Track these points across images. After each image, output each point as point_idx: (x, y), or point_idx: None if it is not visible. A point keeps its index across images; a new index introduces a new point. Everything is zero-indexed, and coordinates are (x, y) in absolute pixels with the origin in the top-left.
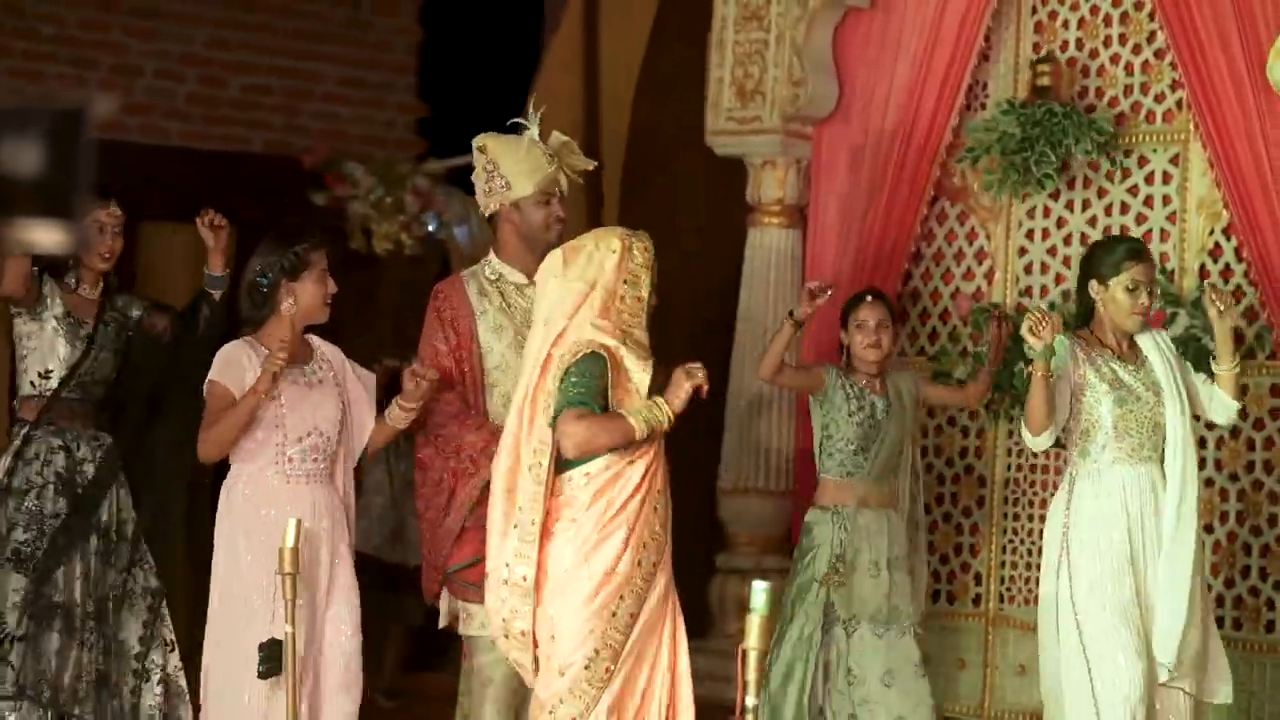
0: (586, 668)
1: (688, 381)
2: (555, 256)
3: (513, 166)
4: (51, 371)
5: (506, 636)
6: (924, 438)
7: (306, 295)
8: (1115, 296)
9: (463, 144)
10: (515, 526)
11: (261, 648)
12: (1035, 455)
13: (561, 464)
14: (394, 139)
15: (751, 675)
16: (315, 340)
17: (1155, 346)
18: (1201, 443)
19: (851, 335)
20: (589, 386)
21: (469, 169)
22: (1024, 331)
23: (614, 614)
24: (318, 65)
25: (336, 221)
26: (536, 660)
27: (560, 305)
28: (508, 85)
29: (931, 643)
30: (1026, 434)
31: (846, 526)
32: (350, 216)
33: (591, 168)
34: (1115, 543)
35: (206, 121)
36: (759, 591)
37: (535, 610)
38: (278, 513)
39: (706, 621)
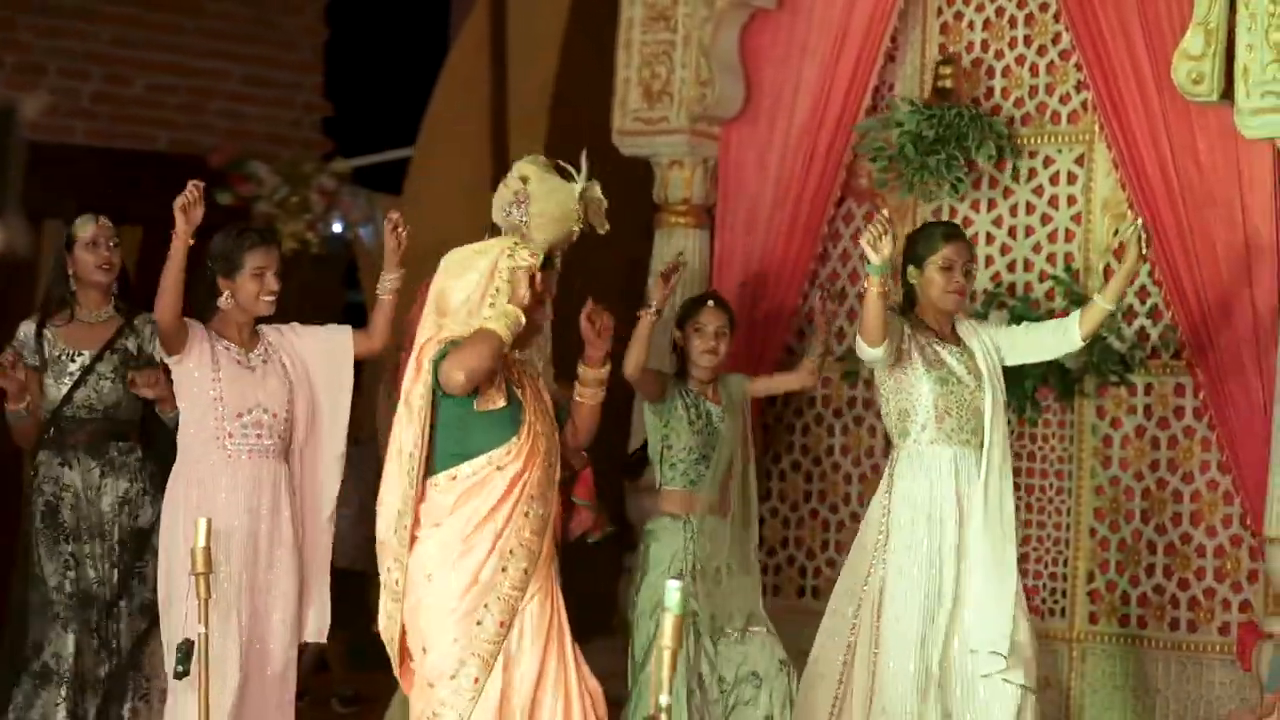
0: (453, 677)
1: (517, 271)
2: (451, 261)
3: (546, 212)
4: (54, 401)
5: (389, 640)
6: (790, 434)
7: (242, 292)
8: (931, 277)
9: (369, 143)
10: (393, 531)
11: (178, 648)
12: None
13: (428, 468)
14: (300, 138)
15: (665, 673)
16: (266, 329)
17: (973, 333)
18: (1107, 441)
19: (689, 339)
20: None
21: (375, 168)
22: (864, 243)
23: (479, 623)
24: (223, 64)
25: (242, 222)
26: (403, 672)
27: (429, 313)
28: (413, 85)
29: (807, 638)
30: (863, 345)
31: (695, 535)
32: (255, 216)
33: (604, 231)
34: (928, 527)
35: (112, 120)
36: (672, 590)
37: (403, 619)
38: (218, 488)
39: (616, 620)
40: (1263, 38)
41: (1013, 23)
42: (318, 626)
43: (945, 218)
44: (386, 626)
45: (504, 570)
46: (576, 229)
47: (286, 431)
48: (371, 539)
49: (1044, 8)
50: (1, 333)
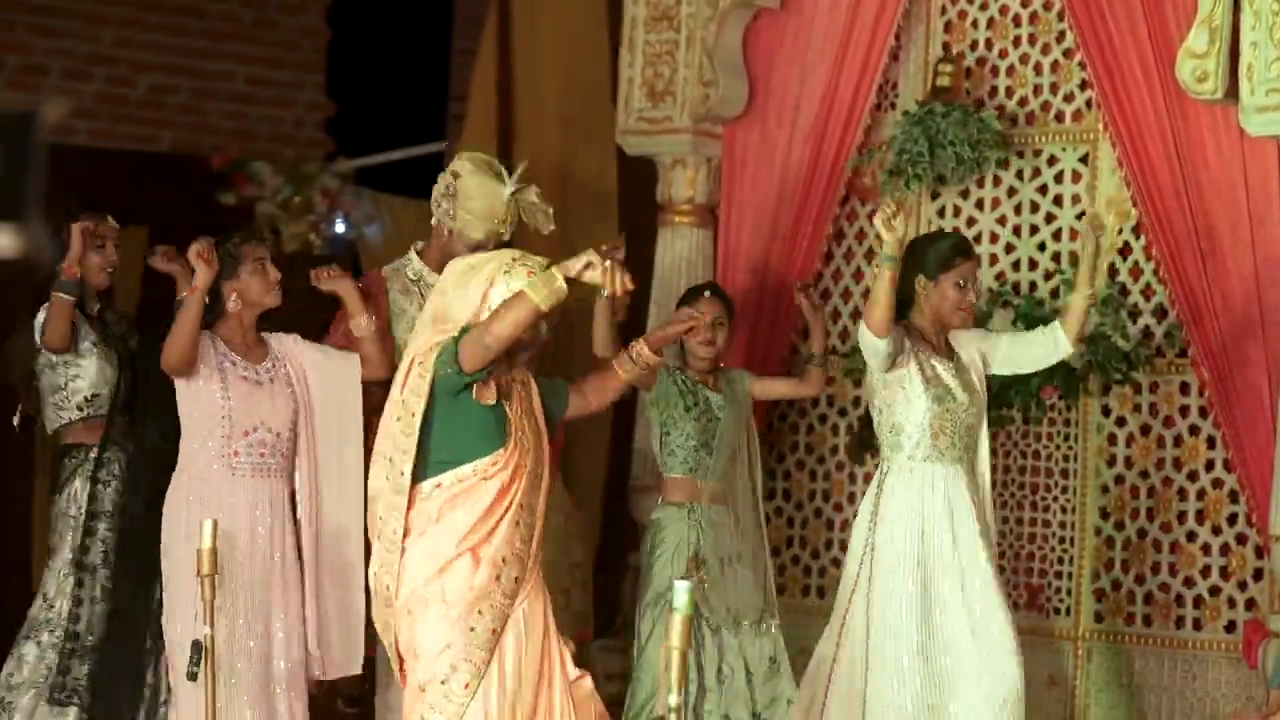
0: (444, 683)
1: (592, 256)
2: (452, 273)
3: (472, 209)
4: (99, 394)
5: (388, 645)
6: (795, 434)
7: (248, 289)
8: (945, 293)
9: (372, 143)
10: (379, 537)
11: (191, 648)
12: (1015, 454)
13: (416, 474)
14: (302, 138)
15: (674, 674)
16: (273, 340)
17: (963, 344)
18: (1111, 439)
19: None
20: (456, 340)
21: (378, 168)
22: (878, 222)
23: (472, 629)
24: (226, 64)
25: (246, 222)
26: (403, 672)
27: (421, 332)
28: (416, 84)
29: (814, 634)
30: (868, 335)
31: (701, 524)
32: (258, 217)
33: (547, 231)
34: (915, 543)
35: (114, 121)
36: (680, 591)
37: (396, 625)
38: (220, 506)
39: (620, 620)
40: (1267, 35)
41: (1017, 21)
42: (346, 658)
43: (950, 217)
44: (383, 632)
45: (497, 579)
46: (503, 230)
47: (290, 450)
48: None
49: (1048, 6)
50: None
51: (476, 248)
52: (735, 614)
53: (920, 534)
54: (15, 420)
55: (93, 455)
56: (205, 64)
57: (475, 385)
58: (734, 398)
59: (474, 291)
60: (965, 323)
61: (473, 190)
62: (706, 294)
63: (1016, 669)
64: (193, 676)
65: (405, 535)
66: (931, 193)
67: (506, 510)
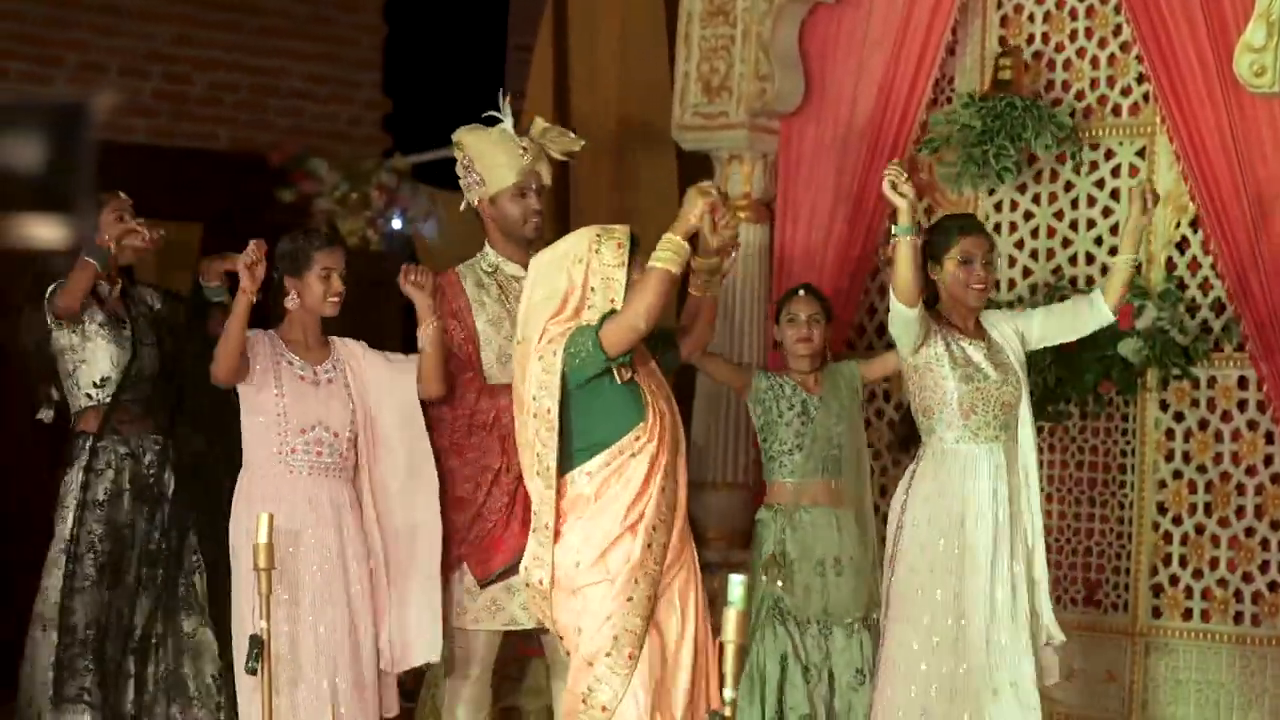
0: (609, 654)
1: (700, 198)
2: (538, 265)
3: (487, 161)
4: (107, 379)
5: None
6: (892, 430)
7: (309, 292)
8: (951, 272)
9: (428, 139)
10: (534, 530)
11: (250, 642)
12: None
13: (562, 465)
14: (360, 135)
15: (729, 668)
16: (337, 342)
17: (997, 324)
18: (1169, 434)
19: (783, 330)
20: (591, 330)
21: (435, 164)
22: (886, 188)
23: (630, 599)
24: (283, 62)
25: (302, 218)
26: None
27: (532, 322)
28: (473, 80)
29: None
30: (897, 306)
31: (787, 526)
32: (316, 213)
33: (579, 147)
34: (948, 530)
35: (172, 118)
36: (735, 585)
37: (553, 609)
38: (279, 504)
39: None
40: None
41: (1073, 15)
42: (426, 644)
43: (1007, 211)
44: (543, 620)
45: (649, 547)
46: (530, 164)
47: (350, 451)
48: None
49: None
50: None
51: (520, 194)
52: (831, 617)
53: (949, 518)
54: (43, 414)
55: (87, 444)
56: (263, 61)
57: (615, 367)
58: (835, 394)
59: (575, 274)
60: (980, 300)
61: (479, 143)
62: (801, 293)
63: None
64: (252, 671)
65: (560, 522)
66: (989, 188)
67: (655, 478)
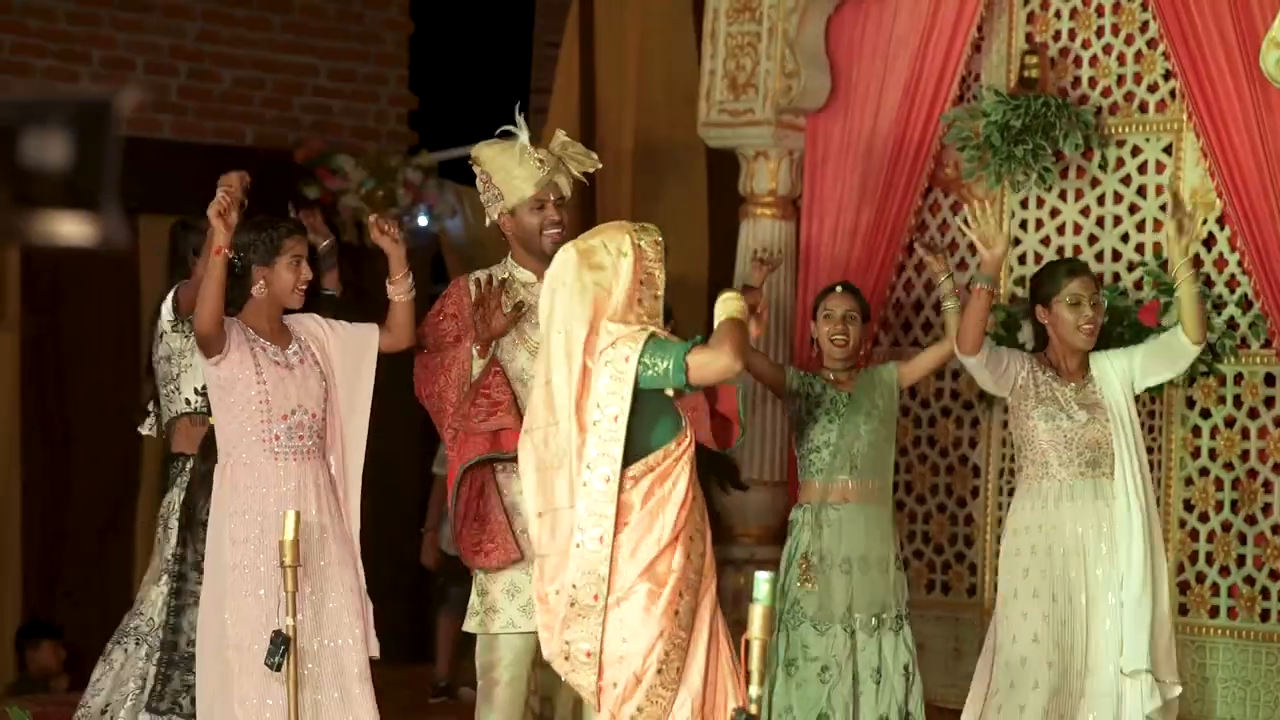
0: (659, 671)
1: (736, 303)
2: (565, 262)
3: (504, 174)
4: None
5: (567, 659)
6: (917, 427)
7: (278, 280)
8: (1060, 314)
9: (454, 137)
10: (577, 545)
11: (271, 640)
12: None
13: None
14: (385, 132)
15: (755, 665)
16: (293, 323)
17: (1107, 363)
18: (1196, 431)
19: (819, 327)
20: (671, 343)
21: (461, 161)
22: (975, 238)
23: (677, 612)
24: (309, 59)
25: (329, 215)
26: (600, 687)
27: (576, 313)
28: (499, 77)
29: (927, 633)
30: (960, 356)
31: (814, 524)
32: (342, 210)
33: (596, 168)
34: (1039, 558)
35: (199, 115)
36: (761, 582)
37: (602, 631)
38: (267, 490)
39: None
40: None
41: (1100, 11)
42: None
43: (1033, 208)
44: (572, 642)
45: (688, 557)
46: (548, 176)
47: (324, 429)
48: None
49: None
50: (99, 325)
51: (539, 206)
52: (863, 615)
53: (1037, 548)
54: (147, 429)
55: (187, 466)
56: (289, 58)
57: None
58: (867, 394)
59: (623, 269)
60: (1089, 341)
61: (496, 158)
62: (838, 289)
63: None
64: (276, 667)
65: (619, 530)
66: (1014, 183)
67: (691, 484)
